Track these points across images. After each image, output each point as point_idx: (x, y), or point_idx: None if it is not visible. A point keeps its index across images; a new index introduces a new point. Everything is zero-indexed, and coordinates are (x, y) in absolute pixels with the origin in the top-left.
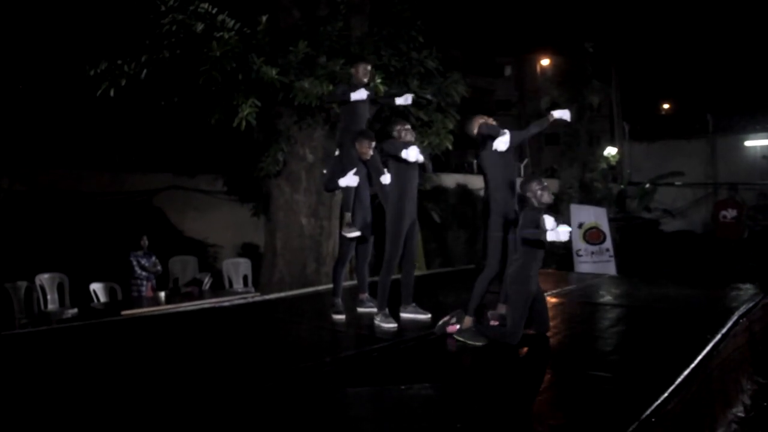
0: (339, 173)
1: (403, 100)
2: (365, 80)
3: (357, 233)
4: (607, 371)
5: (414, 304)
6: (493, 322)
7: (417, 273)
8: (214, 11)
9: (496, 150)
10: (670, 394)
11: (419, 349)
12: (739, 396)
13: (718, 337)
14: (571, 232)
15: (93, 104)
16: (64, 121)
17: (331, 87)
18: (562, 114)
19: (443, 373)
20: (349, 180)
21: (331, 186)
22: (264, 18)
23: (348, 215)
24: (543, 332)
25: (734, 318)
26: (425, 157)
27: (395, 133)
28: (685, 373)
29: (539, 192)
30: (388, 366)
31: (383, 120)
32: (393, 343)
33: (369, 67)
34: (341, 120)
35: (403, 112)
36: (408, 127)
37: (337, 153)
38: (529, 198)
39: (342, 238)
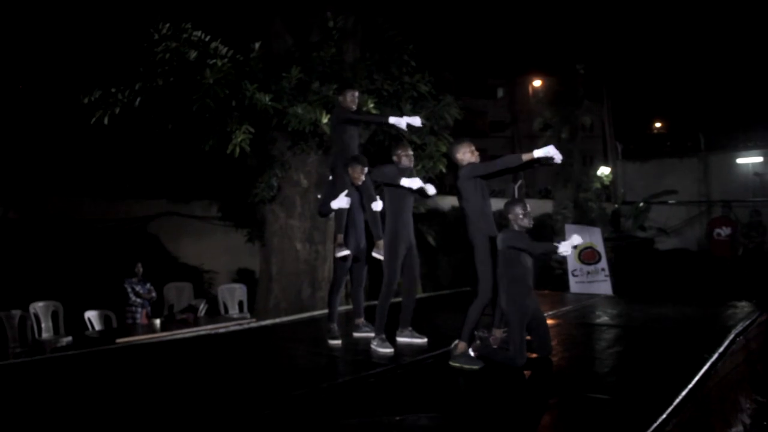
0: (332, 198)
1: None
2: (353, 107)
3: (347, 252)
4: (605, 393)
5: (410, 329)
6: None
7: None
8: (207, 39)
9: (469, 180)
10: (668, 415)
11: (416, 374)
12: (738, 415)
13: (716, 356)
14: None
15: (87, 132)
16: (58, 148)
17: (324, 113)
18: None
19: (440, 399)
20: (341, 202)
21: (325, 210)
22: (257, 45)
23: (340, 237)
24: (546, 355)
25: (731, 336)
26: (424, 182)
27: (394, 157)
28: (683, 393)
29: (521, 216)
30: (385, 392)
31: (377, 144)
32: (389, 368)
33: (356, 94)
34: (334, 145)
35: (397, 136)
36: (410, 152)
37: (330, 178)
38: (510, 221)
39: (336, 262)
